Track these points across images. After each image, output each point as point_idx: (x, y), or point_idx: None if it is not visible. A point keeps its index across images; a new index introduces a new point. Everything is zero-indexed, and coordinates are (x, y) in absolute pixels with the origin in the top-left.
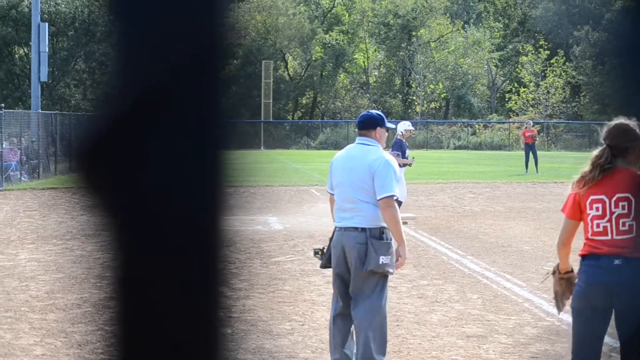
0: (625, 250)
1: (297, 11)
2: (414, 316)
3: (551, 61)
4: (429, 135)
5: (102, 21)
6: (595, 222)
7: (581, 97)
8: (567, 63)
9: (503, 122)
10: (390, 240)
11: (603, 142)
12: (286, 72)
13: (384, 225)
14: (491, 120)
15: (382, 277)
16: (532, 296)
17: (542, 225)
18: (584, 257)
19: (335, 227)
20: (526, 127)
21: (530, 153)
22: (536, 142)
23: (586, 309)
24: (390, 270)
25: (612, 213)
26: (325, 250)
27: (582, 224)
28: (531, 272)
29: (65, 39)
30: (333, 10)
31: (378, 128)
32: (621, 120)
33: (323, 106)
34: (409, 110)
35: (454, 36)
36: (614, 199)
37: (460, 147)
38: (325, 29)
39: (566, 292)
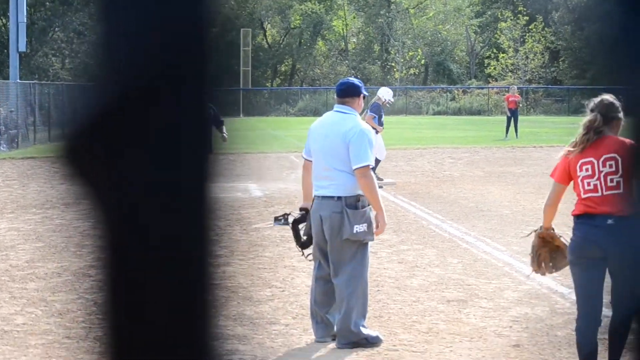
0: (616, 209)
1: None
2: (395, 281)
3: (530, 27)
4: (408, 101)
5: None
6: (585, 181)
7: (560, 62)
8: (546, 29)
9: (482, 88)
10: (367, 207)
11: (591, 111)
12: (265, 40)
13: (360, 193)
14: (470, 86)
15: (362, 244)
16: (512, 260)
17: (522, 189)
18: (578, 216)
19: (314, 196)
20: (510, 92)
21: (512, 118)
22: (519, 107)
23: (582, 258)
24: (367, 238)
25: (600, 172)
26: (287, 217)
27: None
28: (511, 236)
29: (43, 9)
30: None
31: (361, 95)
32: (607, 95)
33: (302, 73)
34: (388, 77)
35: (433, 2)
36: (602, 159)
37: (439, 113)
38: None
39: (543, 251)
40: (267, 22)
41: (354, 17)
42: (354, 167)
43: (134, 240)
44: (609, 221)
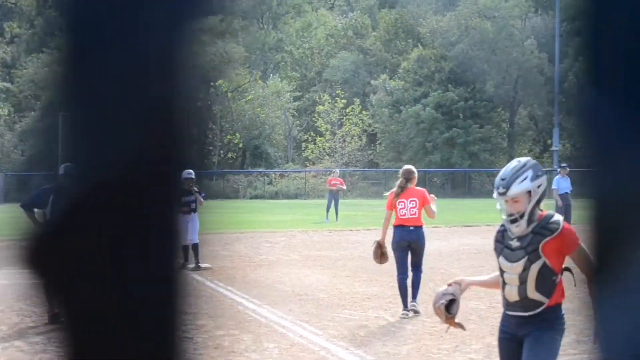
0: (414, 223)
1: None
2: None
3: (347, 110)
4: (226, 185)
5: None
6: (400, 211)
7: (377, 145)
8: (363, 112)
9: (299, 172)
10: None
11: (400, 175)
12: None
13: None
14: (287, 170)
15: None
16: (328, 344)
17: (338, 273)
18: (396, 226)
19: None
20: (333, 175)
21: (333, 201)
22: (340, 190)
23: (398, 248)
24: None
25: (407, 207)
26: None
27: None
28: (327, 320)
29: None
30: None
31: None
32: (407, 165)
33: None
34: (205, 161)
35: (252, 86)
36: (409, 200)
37: (256, 197)
38: None
39: (378, 252)
40: None
41: None
42: None
43: None
44: (411, 228)
